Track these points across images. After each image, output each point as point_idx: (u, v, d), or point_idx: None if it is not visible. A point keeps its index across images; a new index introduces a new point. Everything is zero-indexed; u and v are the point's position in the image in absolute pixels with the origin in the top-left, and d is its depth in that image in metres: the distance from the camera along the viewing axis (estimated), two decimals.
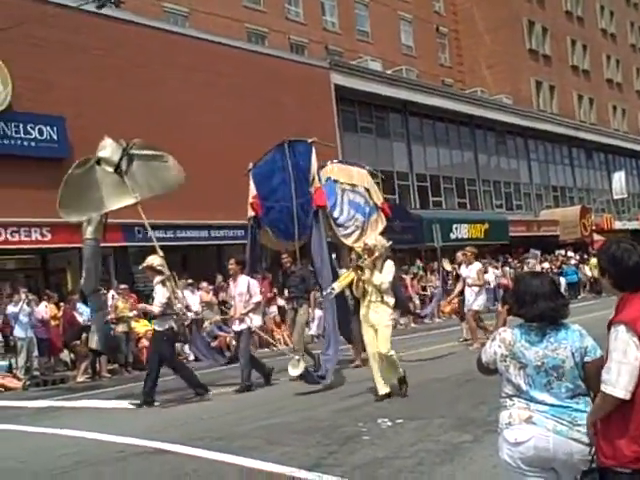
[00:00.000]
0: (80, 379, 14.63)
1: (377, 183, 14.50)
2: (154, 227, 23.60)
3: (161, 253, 10.86)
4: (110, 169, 10.53)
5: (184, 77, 24.49)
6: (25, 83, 20.55)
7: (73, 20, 21.76)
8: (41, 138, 21.47)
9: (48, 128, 21.54)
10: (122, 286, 17.75)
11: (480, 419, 6.97)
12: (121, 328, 15.86)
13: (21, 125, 21.09)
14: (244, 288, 11.12)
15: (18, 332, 15.04)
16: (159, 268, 10.42)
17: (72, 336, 15.45)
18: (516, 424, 3.29)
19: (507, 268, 28.45)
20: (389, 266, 8.98)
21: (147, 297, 18.42)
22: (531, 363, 3.29)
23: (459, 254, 15.11)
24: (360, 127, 31.87)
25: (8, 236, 20.76)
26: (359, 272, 8.95)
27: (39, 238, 21.40)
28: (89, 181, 10.53)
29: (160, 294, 10.23)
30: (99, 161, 10.61)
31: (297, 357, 10.64)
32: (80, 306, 15.62)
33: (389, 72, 33.67)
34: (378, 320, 8.80)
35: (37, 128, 21.29)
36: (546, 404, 3.27)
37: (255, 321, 11.25)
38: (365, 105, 31.93)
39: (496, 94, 40.79)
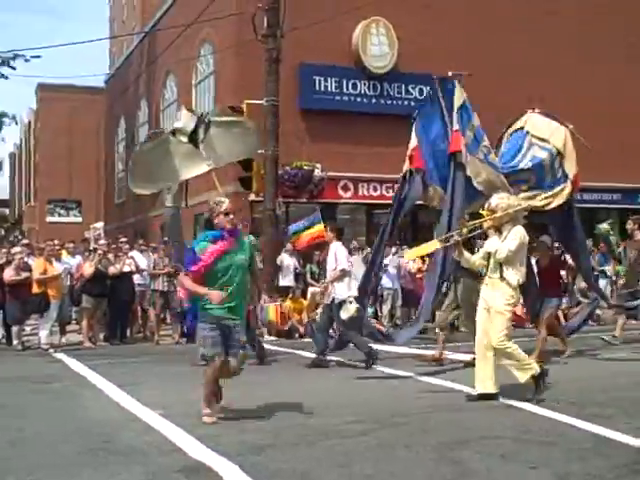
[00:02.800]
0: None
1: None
2: None
3: None
4: (184, 138, 10.36)
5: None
6: (409, 43, 21.30)
7: None
8: (421, 97, 22.11)
9: (428, 88, 22.13)
10: None
11: None
12: None
13: (403, 85, 22.00)
14: (332, 257, 10.32)
15: (386, 282, 15.99)
16: None
17: None
18: None
19: None
20: (515, 233, 7.11)
21: None
22: None
23: None
24: None
25: (384, 191, 21.96)
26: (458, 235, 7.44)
27: None
28: (161, 153, 10.41)
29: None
30: (174, 132, 10.50)
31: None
32: None
33: None
34: (492, 302, 7.11)
35: (418, 87, 21.99)
36: None
37: (339, 292, 10.14)
38: None
39: None
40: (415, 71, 21.53)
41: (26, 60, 27.51)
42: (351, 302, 9.74)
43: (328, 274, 10.41)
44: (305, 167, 19.29)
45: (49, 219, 48.39)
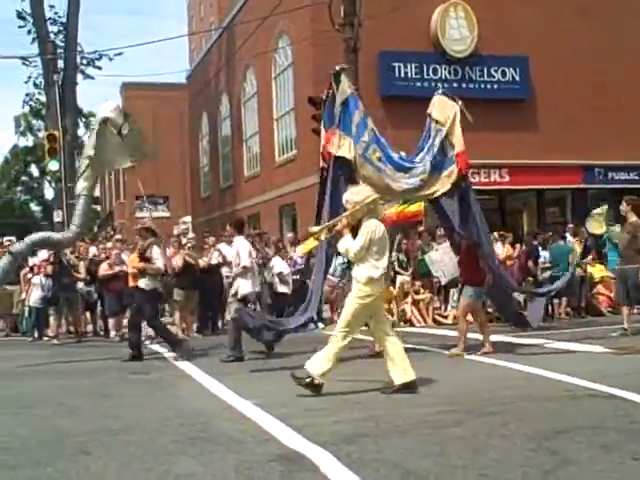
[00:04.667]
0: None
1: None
2: (615, 168, 22.61)
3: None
4: (114, 131, 10.28)
5: None
6: (490, 26, 20.89)
7: None
8: (503, 80, 21.69)
9: (510, 70, 21.69)
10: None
11: None
12: (577, 272, 15.49)
13: (485, 68, 21.59)
14: (235, 252, 10.54)
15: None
16: (155, 230, 11.00)
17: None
18: None
19: None
20: (363, 228, 6.94)
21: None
22: None
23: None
24: None
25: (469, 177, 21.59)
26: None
27: (497, 179, 21.88)
28: (104, 140, 10.40)
29: (158, 257, 10.57)
30: (105, 121, 10.35)
31: None
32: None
33: None
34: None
35: (500, 70, 21.56)
36: None
37: (243, 288, 10.15)
38: None
39: None
40: (496, 53, 21.13)
41: (110, 59, 28.33)
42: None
43: (233, 269, 10.65)
44: None
45: (138, 214, 49.77)
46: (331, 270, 14.70)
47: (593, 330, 11.28)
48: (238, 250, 10.38)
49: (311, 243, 9.58)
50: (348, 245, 7.01)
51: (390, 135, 19.71)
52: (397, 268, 15.84)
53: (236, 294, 10.26)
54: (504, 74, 21.54)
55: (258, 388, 7.49)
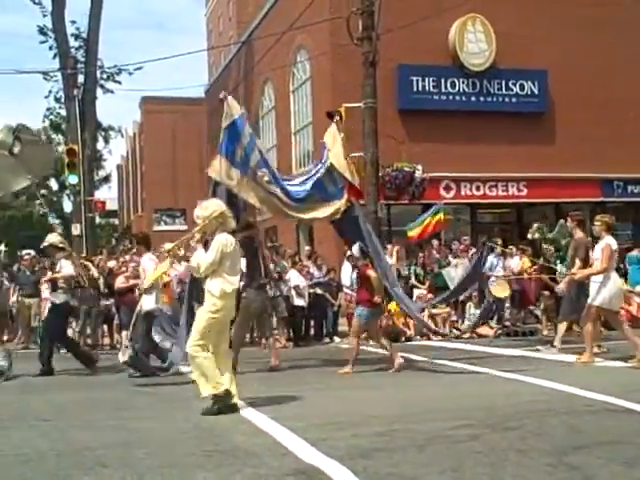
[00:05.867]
0: (545, 332, 14.74)
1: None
2: (634, 182, 22.45)
3: (59, 230, 10.41)
4: (5, 152, 10.21)
5: None
6: (508, 39, 20.89)
7: None
8: (522, 93, 21.66)
9: (529, 83, 21.66)
10: None
11: None
12: None
13: (503, 82, 21.59)
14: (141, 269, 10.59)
15: None
16: (61, 245, 10.80)
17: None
18: None
19: None
20: (214, 243, 6.99)
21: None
22: None
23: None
24: None
25: (487, 190, 21.58)
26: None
27: (515, 193, 21.81)
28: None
29: (67, 267, 10.51)
30: None
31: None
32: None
33: None
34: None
35: (518, 84, 21.56)
36: None
37: (146, 304, 10.02)
38: None
39: None
40: (515, 67, 21.12)
41: (130, 73, 28.62)
42: (126, 347, 10.19)
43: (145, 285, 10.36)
44: (406, 168, 19.17)
45: (156, 228, 50.06)
46: (347, 283, 14.71)
47: (611, 345, 11.12)
48: (144, 268, 10.29)
49: (161, 269, 9.54)
50: (200, 259, 7.01)
51: (408, 149, 19.90)
52: (414, 282, 15.80)
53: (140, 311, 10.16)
54: (522, 88, 21.50)
55: (274, 401, 7.46)
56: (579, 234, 11.17)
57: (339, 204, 10.57)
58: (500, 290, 11.38)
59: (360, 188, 11.33)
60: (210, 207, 7.25)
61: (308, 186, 10.58)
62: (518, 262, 16.17)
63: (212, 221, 7.11)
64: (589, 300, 10.01)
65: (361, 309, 10.07)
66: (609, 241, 9.97)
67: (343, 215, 10.63)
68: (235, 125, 10.24)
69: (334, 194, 10.59)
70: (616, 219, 16.12)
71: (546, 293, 15.17)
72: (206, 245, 7.19)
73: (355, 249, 10.27)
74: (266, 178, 10.23)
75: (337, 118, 11.04)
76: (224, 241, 7.01)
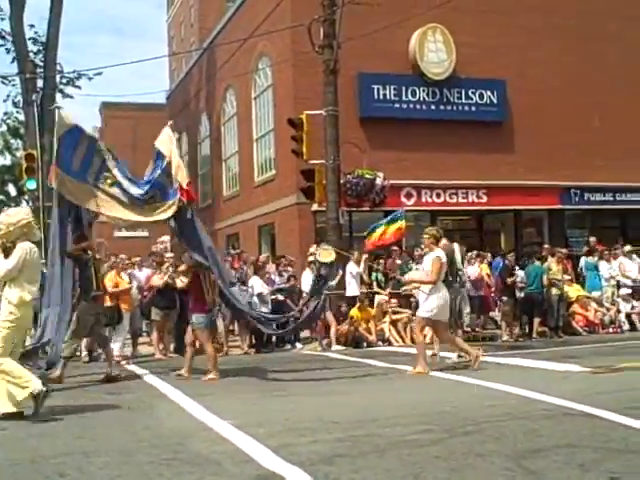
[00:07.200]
0: (505, 338, 14.96)
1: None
2: (591, 189, 22.90)
3: None
4: None
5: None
6: (468, 49, 21.16)
7: None
8: (481, 102, 21.92)
9: (488, 92, 21.94)
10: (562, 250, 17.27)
11: None
12: (554, 292, 15.61)
13: (463, 91, 21.84)
14: None
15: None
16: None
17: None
18: None
19: None
20: (17, 250, 7.08)
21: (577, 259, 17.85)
22: None
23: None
24: None
25: (447, 198, 21.78)
26: None
27: (475, 200, 22.04)
28: None
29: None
30: None
31: None
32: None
33: None
34: None
35: (478, 93, 21.81)
36: None
37: None
38: None
39: None
40: (474, 76, 21.38)
41: (90, 79, 28.29)
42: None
43: None
44: (367, 175, 19.28)
45: (117, 234, 49.41)
46: (308, 289, 14.70)
47: (569, 349, 11.34)
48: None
49: None
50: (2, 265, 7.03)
51: (369, 156, 20.01)
52: (375, 288, 15.88)
53: None
54: (482, 97, 21.78)
55: (235, 408, 7.43)
56: (440, 246, 10.73)
57: (174, 204, 10.48)
58: (326, 255, 11.33)
59: (194, 190, 11.41)
60: (17, 215, 7.31)
61: (148, 187, 10.53)
62: (476, 269, 16.40)
63: (17, 229, 7.16)
64: (417, 311, 10.28)
65: (198, 317, 10.12)
66: (439, 253, 10.15)
67: (177, 214, 10.50)
68: (71, 134, 10.31)
69: (173, 195, 10.55)
70: (573, 226, 16.44)
71: (504, 299, 15.42)
72: (5, 253, 7.18)
73: (185, 258, 10.55)
74: (109, 181, 10.31)
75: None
76: (27, 249, 7.11)
